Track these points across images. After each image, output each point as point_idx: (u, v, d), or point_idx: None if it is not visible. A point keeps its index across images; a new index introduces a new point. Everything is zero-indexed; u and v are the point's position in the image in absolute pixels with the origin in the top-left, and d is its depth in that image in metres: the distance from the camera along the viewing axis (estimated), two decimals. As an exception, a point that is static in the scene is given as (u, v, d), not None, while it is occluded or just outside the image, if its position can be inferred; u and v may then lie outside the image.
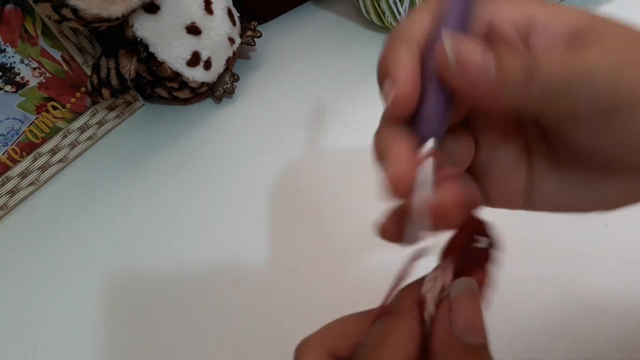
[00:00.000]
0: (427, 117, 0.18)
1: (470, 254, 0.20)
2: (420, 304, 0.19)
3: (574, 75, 0.17)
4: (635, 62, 0.17)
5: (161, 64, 0.51)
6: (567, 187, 0.21)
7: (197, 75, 0.53)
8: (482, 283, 0.19)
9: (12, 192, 0.54)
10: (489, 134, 0.22)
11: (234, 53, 0.55)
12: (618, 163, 0.19)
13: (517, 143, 0.22)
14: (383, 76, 0.19)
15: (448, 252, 0.20)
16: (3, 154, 0.53)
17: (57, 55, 0.54)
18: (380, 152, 0.19)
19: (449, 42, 0.17)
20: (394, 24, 0.53)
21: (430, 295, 0.19)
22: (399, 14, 0.51)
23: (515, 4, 0.20)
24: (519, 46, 0.19)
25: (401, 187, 0.18)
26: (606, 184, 0.20)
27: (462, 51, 0.17)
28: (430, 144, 0.18)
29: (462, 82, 0.17)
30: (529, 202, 0.22)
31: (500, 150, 0.22)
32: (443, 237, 0.20)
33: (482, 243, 0.20)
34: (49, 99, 0.55)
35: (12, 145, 0.54)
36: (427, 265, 0.20)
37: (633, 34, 0.18)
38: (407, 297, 0.20)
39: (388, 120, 0.20)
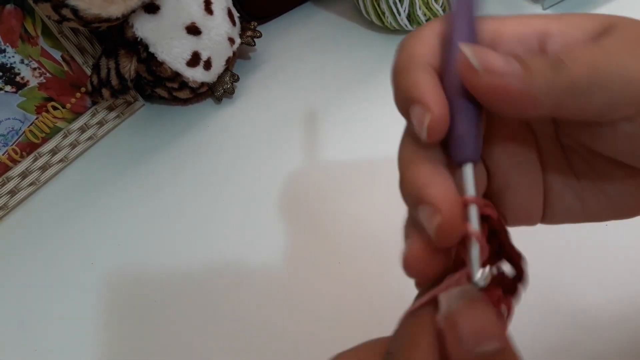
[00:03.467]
0: (461, 139, 0.17)
1: (499, 279, 0.19)
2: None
3: (601, 68, 0.16)
4: None
5: (161, 64, 0.51)
6: (584, 201, 0.21)
7: (197, 75, 0.53)
8: (507, 314, 0.18)
9: (12, 192, 0.54)
10: (502, 161, 0.21)
11: (234, 53, 0.55)
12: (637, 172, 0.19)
13: (532, 166, 0.22)
14: (408, 103, 0.18)
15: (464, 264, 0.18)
16: (3, 154, 0.53)
17: (57, 55, 0.54)
18: (417, 194, 0.18)
19: (469, 52, 0.17)
20: (393, 24, 0.53)
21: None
22: (399, 14, 0.51)
23: (524, 19, 0.19)
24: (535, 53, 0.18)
25: (450, 237, 0.17)
26: (624, 195, 0.20)
27: (485, 57, 0.17)
28: (468, 169, 0.18)
29: (493, 89, 0.17)
30: (547, 218, 0.22)
31: (515, 176, 0.21)
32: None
33: (508, 273, 0.19)
34: (49, 99, 0.55)
35: (12, 145, 0.54)
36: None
37: None
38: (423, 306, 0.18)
39: (421, 150, 0.18)
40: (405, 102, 0.18)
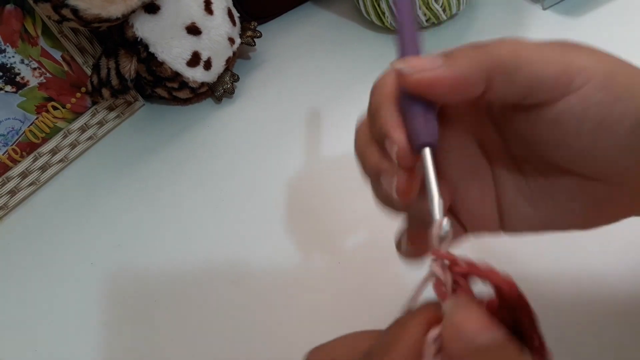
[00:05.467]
0: (414, 129, 0.20)
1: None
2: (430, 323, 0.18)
3: (523, 52, 0.19)
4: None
5: (161, 64, 0.51)
6: (537, 207, 0.23)
7: (197, 75, 0.53)
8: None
9: (12, 192, 0.54)
10: (452, 171, 0.23)
11: (234, 53, 0.55)
12: (580, 180, 0.21)
13: (482, 175, 0.23)
14: (382, 138, 0.21)
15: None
16: (3, 154, 0.53)
17: (57, 55, 0.54)
18: (384, 132, 0.21)
19: (399, 63, 0.20)
20: (393, 24, 0.53)
21: (432, 342, 0.17)
22: (399, 14, 0.51)
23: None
24: None
25: (405, 162, 0.21)
26: (572, 202, 0.22)
27: (413, 62, 0.20)
28: (427, 153, 0.20)
29: (427, 82, 0.20)
30: (506, 227, 0.24)
31: (465, 184, 0.23)
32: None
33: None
34: (49, 99, 0.55)
35: (12, 145, 0.54)
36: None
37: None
38: (418, 314, 0.19)
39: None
40: (380, 137, 0.21)
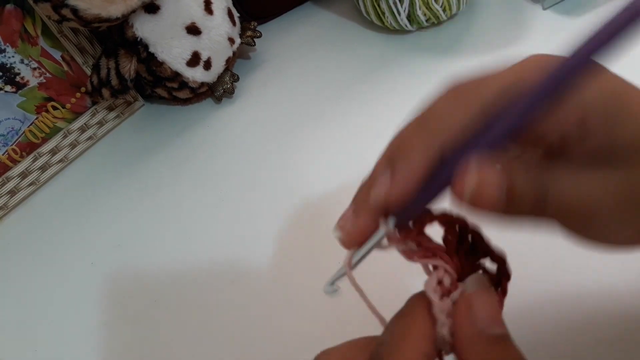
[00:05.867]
0: (408, 207, 0.19)
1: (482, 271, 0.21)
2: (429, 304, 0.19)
3: (578, 205, 0.17)
4: None
5: (161, 64, 0.51)
6: None
7: (197, 75, 0.53)
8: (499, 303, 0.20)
9: (12, 192, 0.54)
10: None
11: (234, 53, 0.55)
12: None
13: None
14: (390, 159, 0.20)
15: (443, 252, 0.21)
16: (3, 154, 0.53)
17: (57, 55, 0.54)
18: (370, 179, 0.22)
19: (471, 177, 0.17)
20: (393, 24, 0.53)
21: (433, 291, 0.19)
22: (399, 14, 0.51)
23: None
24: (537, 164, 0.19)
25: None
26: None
27: (481, 186, 0.17)
28: (385, 224, 0.20)
29: (471, 208, 0.18)
30: None
31: None
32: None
33: (489, 263, 0.21)
34: (49, 99, 0.55)
35: (12, 145, 0.54)
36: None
37: None
38: (416, 300, 0.20)
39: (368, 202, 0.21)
40: (390, 152, 0.21)
